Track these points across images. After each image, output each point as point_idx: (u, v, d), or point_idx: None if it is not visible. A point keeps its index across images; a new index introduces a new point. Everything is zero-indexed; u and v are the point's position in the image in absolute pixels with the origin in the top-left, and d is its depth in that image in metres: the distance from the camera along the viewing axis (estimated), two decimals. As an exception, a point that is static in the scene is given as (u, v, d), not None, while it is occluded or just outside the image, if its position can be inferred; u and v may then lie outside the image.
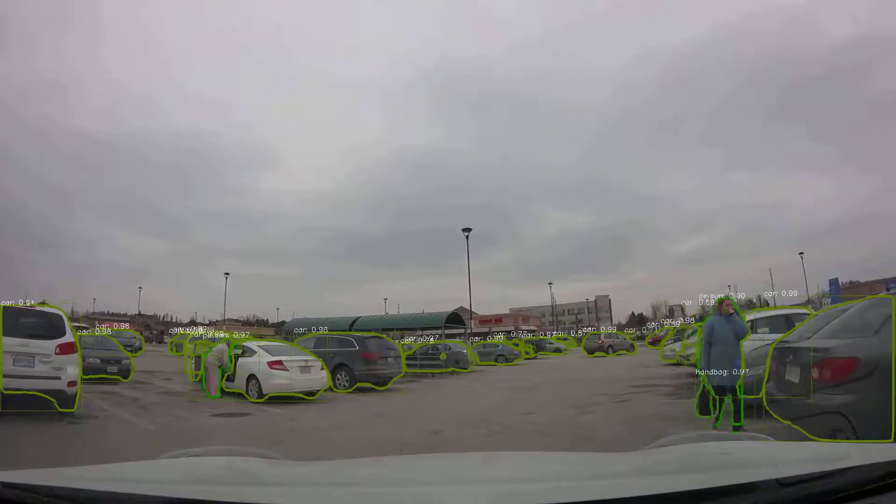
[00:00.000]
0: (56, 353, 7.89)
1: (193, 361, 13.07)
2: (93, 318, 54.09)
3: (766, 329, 10.72)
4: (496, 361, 26.52)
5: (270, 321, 74.50)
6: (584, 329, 46.52)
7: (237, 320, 73.39)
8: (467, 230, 31.77)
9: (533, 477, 1.73)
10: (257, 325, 73.17)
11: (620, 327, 48.88)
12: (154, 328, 60.86)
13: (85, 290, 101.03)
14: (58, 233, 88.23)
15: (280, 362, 10.93)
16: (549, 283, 63.69)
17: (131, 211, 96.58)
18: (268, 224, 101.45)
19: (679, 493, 1.09)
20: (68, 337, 8.24)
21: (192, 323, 61.60)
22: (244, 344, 12.10)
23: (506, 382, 16.56)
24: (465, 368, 21.35)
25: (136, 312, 67.35)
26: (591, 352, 31.19)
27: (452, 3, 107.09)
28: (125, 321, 60.15)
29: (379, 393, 13.29)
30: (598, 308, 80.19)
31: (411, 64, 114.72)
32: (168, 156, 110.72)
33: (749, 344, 10.53)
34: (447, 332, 24.63)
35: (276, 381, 10.72)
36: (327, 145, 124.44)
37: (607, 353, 30.46)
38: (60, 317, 8.42)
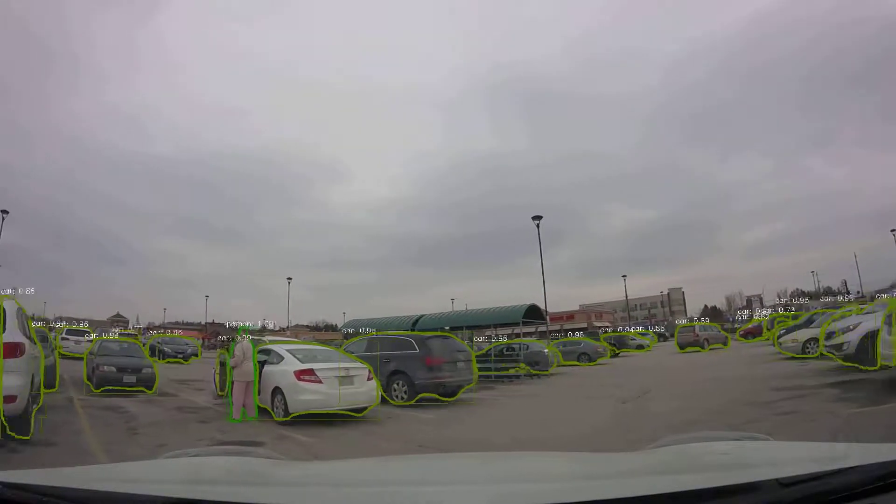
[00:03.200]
0: None
1: (220, 370, 10.70)
2: (161, 327, 55.20)
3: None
4: (578, 361, 23.54)
5: (339, 326, 74.17)
6: (677, 321, 41.95)
7: (306, 326, 73.13)
8: (538, 218, 28.28)
9: (533, 477, 1.70)
10: (325, 330, 72.62)
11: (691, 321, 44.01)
12: (223, 334, 61.46)
13: (163, 301, 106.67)
14: (134, 250, 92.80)
15: (311, 371, 8.19)
16: (623, 276, 58.79)
17: (209, 227, 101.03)
18: (340, 234, 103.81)
19: (679, 493, 1.08)
20: (11, 335, 5.97)
21: (264, 329, 61.60)
22: (268, 347, 9.45)
23: (599, 388, 13.41)
24: (546, 371, 18.23)
25: (209, 321, 68.71)
26: (683, 347, 27.83)
27: (498, 8, 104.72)
28: (195, 329, 61.63)
29: (445, 407, 10.40)
30: (672, 301, 74.68)
31: (465, 70, 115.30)
32: (251, 177, 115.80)
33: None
34: (524, 329, 21.50)
35: (305, 397, 8.04)
36: (391, 155, 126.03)
37: (703, 347, 27.16)
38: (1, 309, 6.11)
